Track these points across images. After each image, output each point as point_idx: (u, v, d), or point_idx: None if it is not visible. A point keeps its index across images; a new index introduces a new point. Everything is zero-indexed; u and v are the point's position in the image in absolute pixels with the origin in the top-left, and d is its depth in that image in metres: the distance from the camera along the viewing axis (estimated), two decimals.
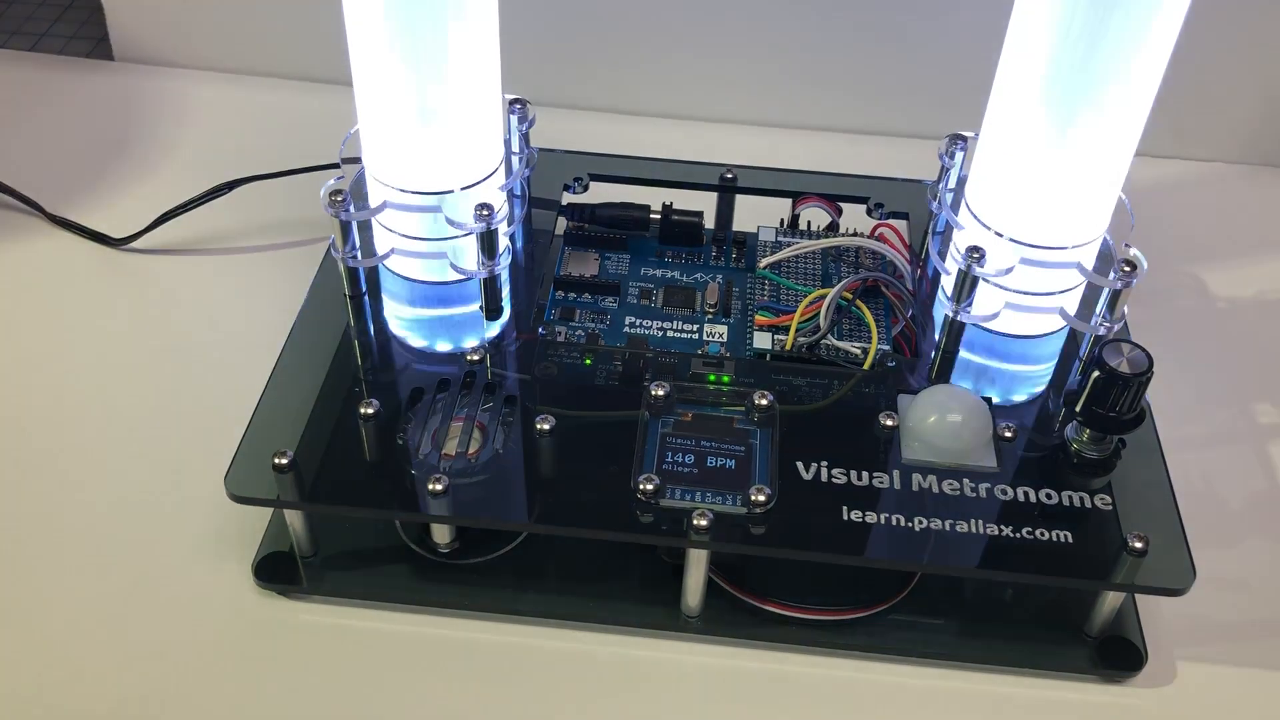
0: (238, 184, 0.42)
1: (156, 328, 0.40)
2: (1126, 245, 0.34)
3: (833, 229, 0.40)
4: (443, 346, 0.35)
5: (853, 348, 0.36)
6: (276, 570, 0.33)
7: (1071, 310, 0.35)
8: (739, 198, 0.40)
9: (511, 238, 0.37)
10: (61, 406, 0.37)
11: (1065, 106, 0.31)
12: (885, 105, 0.50)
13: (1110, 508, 0.31)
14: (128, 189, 0.46)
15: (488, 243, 0.34)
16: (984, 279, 0.33)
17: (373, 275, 0.36)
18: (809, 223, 0.41)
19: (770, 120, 0.51)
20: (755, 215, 0.41)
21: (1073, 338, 0.36)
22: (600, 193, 0.41)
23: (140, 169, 0.47)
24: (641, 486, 0.30)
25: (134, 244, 0.43)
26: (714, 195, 0.40)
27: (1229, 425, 0.39)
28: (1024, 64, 0.31)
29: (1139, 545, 0.30)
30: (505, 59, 0.34)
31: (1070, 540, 0.30)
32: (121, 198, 0.45)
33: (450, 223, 0.34)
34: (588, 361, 0.35)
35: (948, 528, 0.30)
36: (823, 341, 0.36)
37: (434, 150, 0.33)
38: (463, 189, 0.34)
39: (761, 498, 0.30)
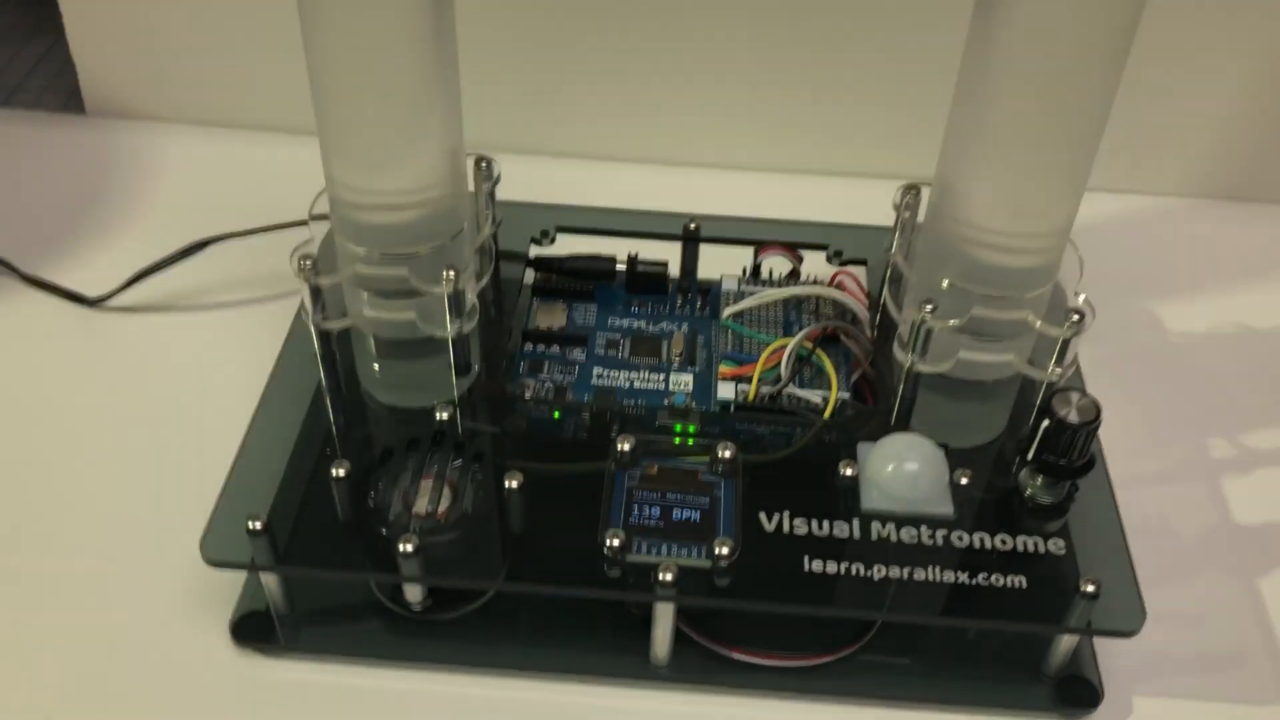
0: (209, 242, 0.43)
1: (132, 386, 0.41)
2: (1076, 294, 0.35)
3: (794, 276, 0.41)
4: (413, 403, 0.36)
5: (814, 396, 0.37)
6: (254, 629, 0.33)
7: (1026, 355, 0.36)
8: (703, 246, 0.41)
9: (480, 294, 0.37)
10: (35, 466, 0.38)
11: (1012, 156, 0.32)
12: (846, 146, 0.51)
13: (1064, 552, 0.32)
14: (101, 246, 0.46)
15: (455, 303, 0.35)
16: (937, 329, 0.34)
17: (344, 333, 0.37)
18: (771, 270, 0.42)
19: (733, 163, 0.52)
20: (719, 263, 0.41)
21: (1029, 380, 0.37)
22: (567, 244, 0.42)
23: (113, 225, 0.47)
24: (608, 542, 0.31)
25: (109, 303, 0.43)
26: (679, 244, 0.41)
27: (1183, 460, 0.40)
28: (969, 113, 0.33)
29: (1090, 589, 0.31)
30: (467, 105, 0.35)
31: (1025, 585, 0.31)
32: (95, 255, 0.45)
33: (418, 284, 0.35)
34: (556, 415, 0.36)
35: (907, 575, 0.31)
36: (784, 391, 0.37)
37: (400, 213, 0.34)
38: (430, 249, 0.35)
39: (725, 550, 0.31)
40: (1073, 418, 0.32)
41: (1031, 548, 0.32)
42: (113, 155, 0.51)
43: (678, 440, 0.35)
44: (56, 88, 0.57)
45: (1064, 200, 0.33)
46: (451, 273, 0.34)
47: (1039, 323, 0.34)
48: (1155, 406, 0.42)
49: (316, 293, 0.35)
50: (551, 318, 0.40)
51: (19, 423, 0.39)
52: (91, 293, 0.43)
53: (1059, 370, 0.35)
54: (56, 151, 0.51)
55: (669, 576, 0.30)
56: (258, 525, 0.31)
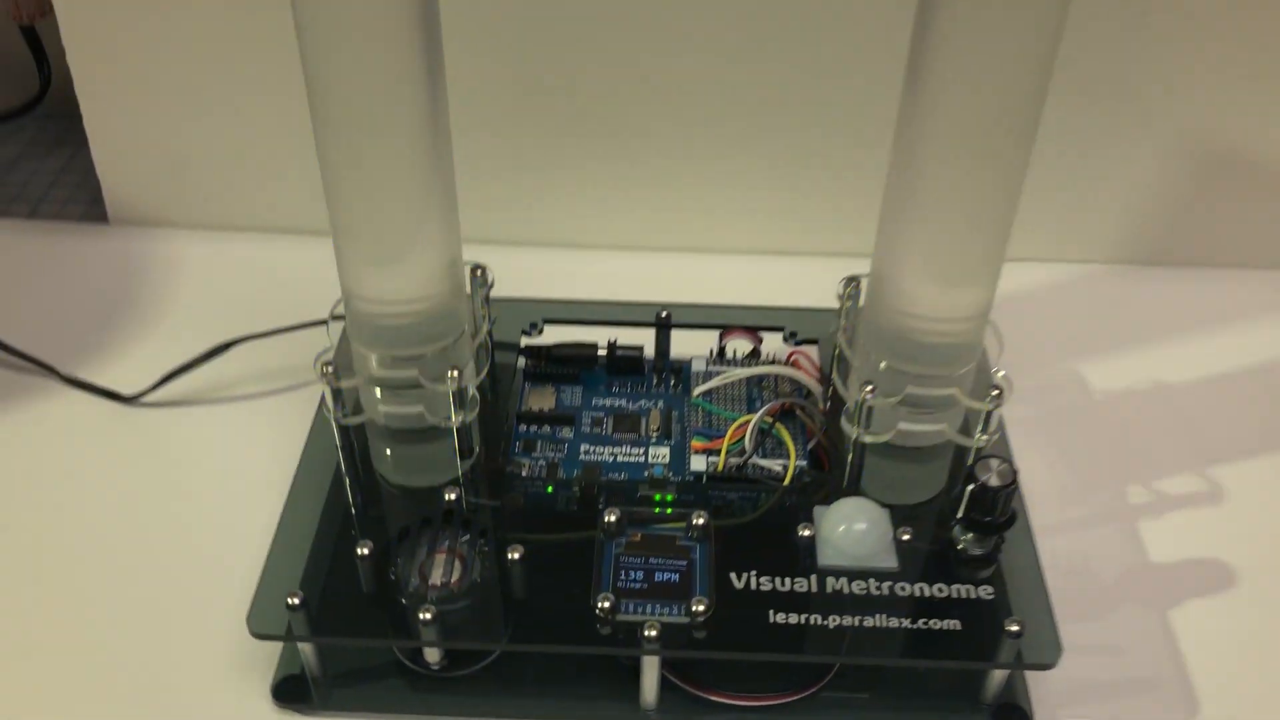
0: (235, 343, 0.48)
1: (168, 476, 0.45)
2: (996, 370, 0.40)
3: (755, 355, 0.47)
4: (421, 484, 0.41)
5: (775, 465, 0.42)
6: (292, 691, 0.38)
7: (957, 425, 0.41)
8: (674, 332, 0.47)
9: (479, 386, 0.42)
10: (83, 552, 0.42)
11: (934, 248, 0.37)
12: (800, 228, 0.57)
13: (992, 596, 0.37)
14: (133, 347, 0.51)
15: (459, 397, 0.40)
16: (877, 405, 0.39)
17: (360, 429, 0.42)
18: (734, 351, 0.47)
19: (700, 247, 0.57)
20: (689, 345, 0.47)
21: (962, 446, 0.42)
22: (554, 334, 0.47)
23: (143, 327, 0.52)
24: (599, 605, 0.36)
25: (143, 400, 0.48)
26: (652, 331, 0.47)
27: (1104, 506, 0.45)
28: (895, 212, 0.38)
29: (1015, 628, 0.36)
30: (459, 201, 0.39)
31: (959, 628, 0.36)
32: (127, 356, 0.50)
33: (426, 383, 0.40)
34: (549, 490, 0.41)
35: (859, 623, 0.36)
36: (749, 462, 0.42)
37: (408, 318, 0.39)
38: (435, 351, 0.40)
39: (701, 608, 0.36)
40: (993, 482, 0.37)
41: (965, 594, 0.37)
42: (137, 261, 0.56)
43: (657, 509, 0.40)
44: (77, 199, 0.61)
45: (981, 288, 0.38)
46: (455, 371, 0.39)
47: (965, 398, 0.39)
48: (1079, 458, 0.47)
49: (337, 393, 0.40)
50: (542, 400, 0.45)
51: (66, 512, 0.44)
52: (126, 391, 0.48)
53: (985, 437, 0.40)
54: (83, 259, 0.56)
55: (653, 633, 0.35)
56: (295, 601, 0.36)
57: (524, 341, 0.47)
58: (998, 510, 0.37)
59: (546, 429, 0.44)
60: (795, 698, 0.38)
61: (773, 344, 0.47)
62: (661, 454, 0.43)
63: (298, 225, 0.56)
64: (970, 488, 0.37)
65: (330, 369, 0.39)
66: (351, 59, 0.34)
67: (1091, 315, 0.55)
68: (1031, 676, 0.39)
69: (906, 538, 0.38)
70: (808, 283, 0.47)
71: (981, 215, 0.36)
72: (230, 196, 0.57)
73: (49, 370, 0.49)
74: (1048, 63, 0.33)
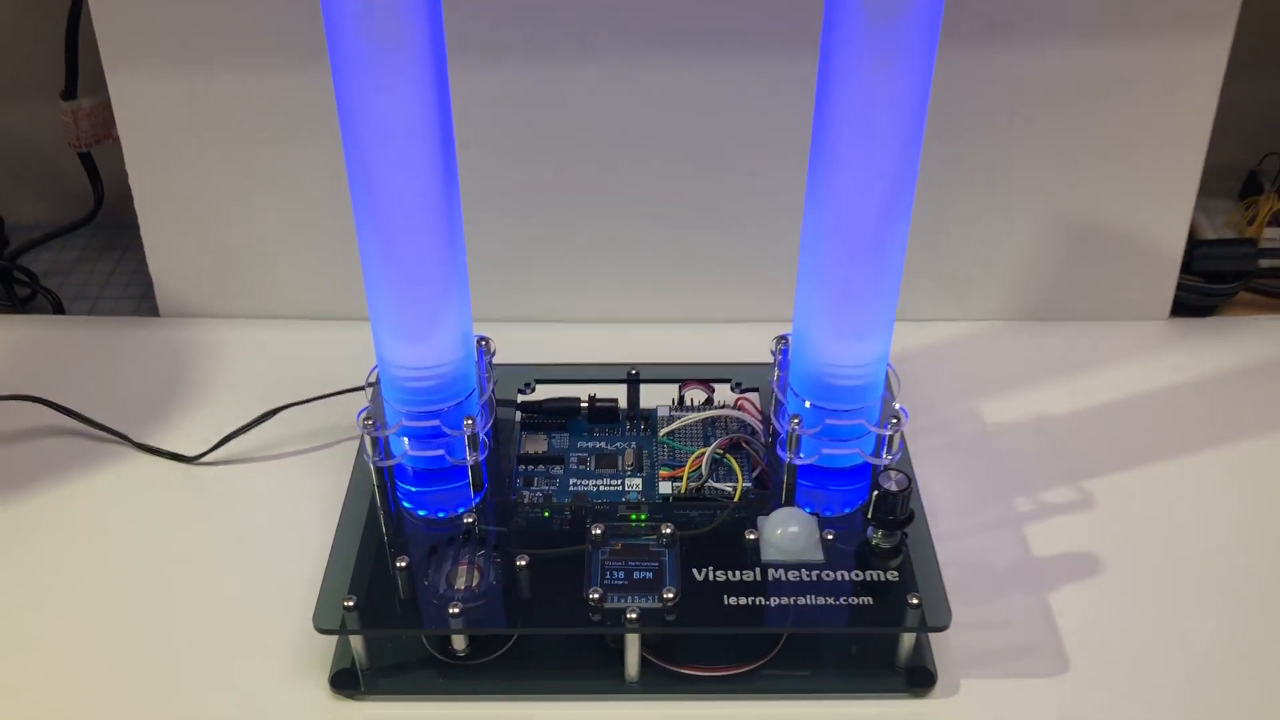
0: (280, 410, 0.58)
1: (230, 522, 0.54)
2: (893, 402, 0.50)
3: (709, 403, 0.57)
4: (443, 511, 0.51)
5: (726, 487, 0.52)
6: (345, 681, 0.47)
7: (868, 448, 0.51)
8: (642, 386, 0.57)
9: (486, 434, 0.52)
10: (162, 589, 0.51)
11: (836, 310, 0.48)
12: (743, 300, 0.66)
13: (898, 579, 0.47)
14: (191, 417, 0.59)
15: (473, 442, 0.50)
16: (804, 435, 0.50)
17: (392, 467, 0.52)
18: (691, 399, 0.57)
19: (663, 318, 0.67)
20: (654, 396, 0.56)
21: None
22: (544, 391, 0.56)
23: (199, 401, 0.60)
24: (591, 596, 0.46)
25: (204, 459, 0.56)
26: (624, 386, 0.57)
27: (996, 515, 0.54)
28: (805, 283, 0.48)
29: (915, 601, 0.45)
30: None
31: (872, 603, 0.46)
32: (187, 425, 0.58)
33: (446, 430, 0.50)
34: (545, 515, 0.51)
35: (794, 602, 0.46)
36: (706, 485, 0.52)
37: (432, 384, 0.49)
38: (451, 407, 0.50)
39: (670, 595, 0.46)
40: (892, 487, 0.47)
41: (877, 578, 0.47)
42: (190, 347, 0.64)
43: (633, 524, 0.50)
44: (128, 295, 0.71)
45: (879, 340, 0.49)
46: (470, 420, 0.49)
47: (871, 427, 0.50)
48: (975, 478, 0.57)
49: (376, 441, 0.50)
50: (536, 445, 0.54)
51: (146, 555, 0.52)
52: (189, 453, 0.56)
53: (889, 456, 0.50)
54: (142, 347, 0.64)
55: (634, 616, 0.45)
56: (351, 603, 0.45)
57: (520, 398, 0.57)
58: (898, 510, 0.47)
59: (541, 468, 0.53)
60: (750, 667, 0.47)
61: (722, 393, 0.57)
62: (635, 483, 0.53)
63: (326, 312, 0.65)
64: (875, 493, 0.47)
65: (370, 421, 0.49)
66: (396, 181, 0.43)
67: (983, 363, 0.64)
68: (936, 644, 0.48)
69: (830, 537, 0.48)
70: (749, 343, 0.55)
71: (872, 285, 0.47)
72: (268, 289, 0.65)
73: (123, 438, 0.58)
74: (911, 173, 0.44)
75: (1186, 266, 0.66)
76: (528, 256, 0.65)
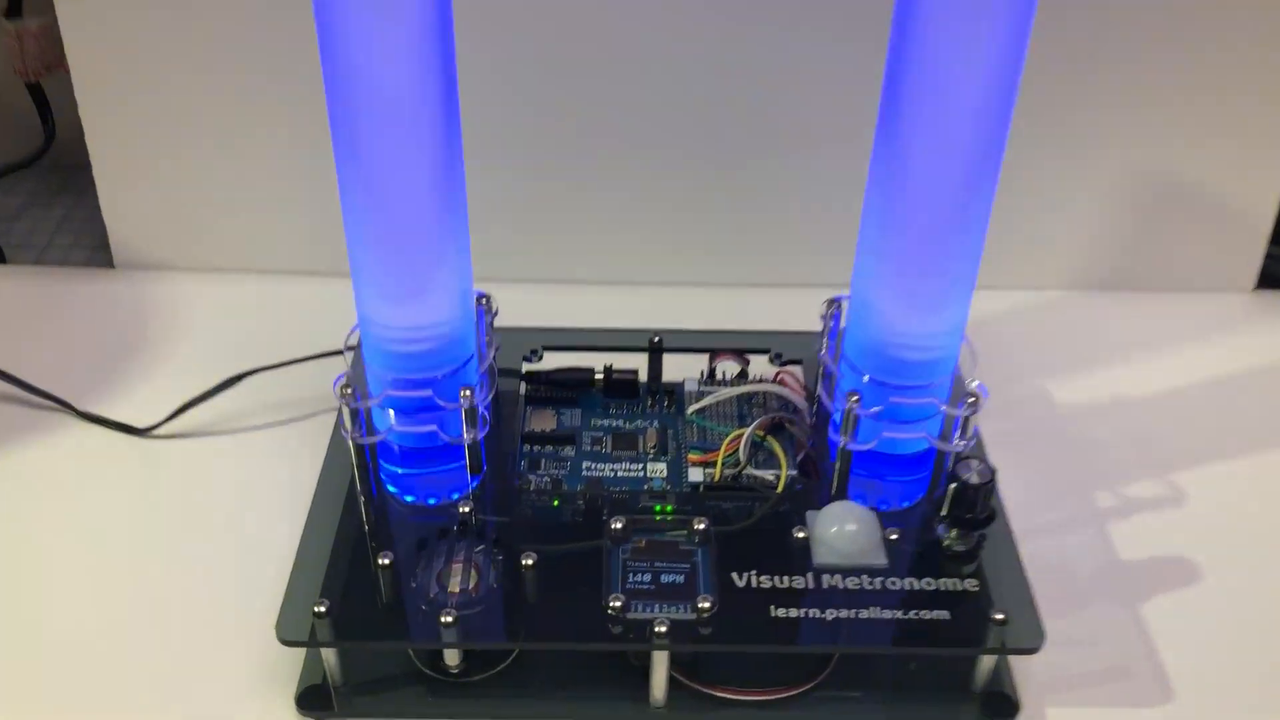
0: (246, 375, 0.50)
1: (186, 504, 0.47)
2: (971, 380, 0.43)
3: (743, 376, 0.49)
4: (435, 498, 0.43)
5: (768, 475, 0.44)
6: (315, 700, 0.40)
7: (935, 432, 0.44)
8: (665, 356, 0.49)
9: (486, 407, 0.45)
10: (106, 580, 0.44)
11: (910, 272, 0.40)
12: (781, 261, 0.60)
13: (978, 589, 0.40)
14: (145, 383, 0.52)
15: (470, 417, 0.42)
16: (863, 415, 0.42)
17: (375, 444, 0.44)
18: (724, 372, 0.50)
19: (688, 281, 0.60)
20: (680, 368, 0.49)
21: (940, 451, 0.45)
22: (553, 360, 0.49)
23: (155, 364, 0.54)
24: (610, 604, 0.38)
25: (157, 431, 0.50)
26: (645, 355, 0.49)
27: (1074, 511, 0.48)
28: (872, 240, 0.41)
29: (1000, 617, 0.38)
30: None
31: (949, 618, 0.39)
32: (141, 392, 0.52)
33: (440, 402, 0.42)
34: (555, 504, 0.43)
35: (854, 615, 0.39)
36: (744, 472, 0.44)
37: (424, 348, 0.41)
38: (445, 376, 0.42)
39: (706, 605, 0.38)
40: (973, 480, 0.40)
41: (951, 587, 0.40)
42: (146, 303, 0.57)
43: (658, 517, 0.42)
44: (80, 244, 0.64)
45: (955, 310, 0.42)
46: (468, 391, 0.42)
47: (944, 406, 0.42)
48: (1049, 468, 0.50)
49: (355, 414, 0.42)
50: (543, 422, 0.47)
51: (88, 542, 0.45)
52: (141, 424, 0.49)
53: (962, 441, 0.43)
54: (93, 302, 0.58)
55: (662, 629, 0.37)
56: (322, 609, 0.38)
57: (525, 367, 0.49)
58: (978, 507, 0.40)
59: (549, 448, 0.46)
60: (798, 691, 0.40)
61: (759, 365, 0.50)
62: (659, 469, 0.45)
63: (298, 266, 0.59)
64: (953, 486, 0.40)
65: (350, 391, 0.41)
66: (384, 114, 0.36)
67: (1052, 337, 0.58)
68: (1016, 667, 0.41)
69: (894, 537, 0.41)
70: (786, 312, 0.49)
71: (955, 252, 0.40)
72: (236, 239, 0.59)
73: (65, 406, 0.51)
74: (1006, 113, 0.37)
75: (1277, 235, 0.61)
76: (538, 207, 0.59)
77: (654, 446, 0.46)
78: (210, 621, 0.42)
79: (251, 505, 0.47)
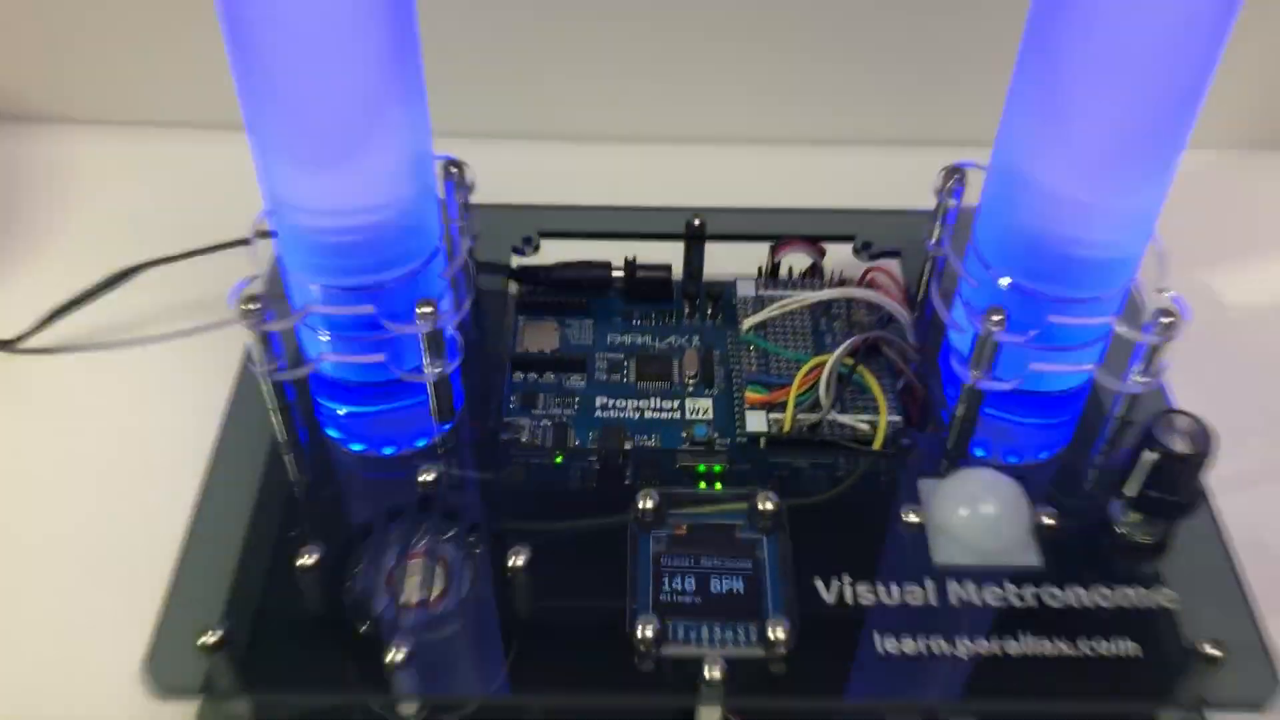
0: (138, 269, 0.38)
1: (56, 440, 0.37)
2: (1161, 291, 0.30)
3: (815, 272, 0.37)
4: (395, 446, 0.32)
5: (859, 423, 0.32)
6: None
7: (1098, 362, 0.31)
8: (710, 244, 0.37)
9: (459, 325, 0.32)
10: None
11: (1093, 132, 0.27)
12: (871, 110, 0.48)
13: (1178, 605, 0.27)
14: (12, 277, 0.42)
15: (434, 342, 0.29)
16: (1008, 341, 0.29)
17: (302, 379, 0.32)
18: (791, 268, 0.37)
19: (740, 136, 0.48)
20: (729, 260, 0.37)
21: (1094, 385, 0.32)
22: (554, 251, 0.38)
23: (24, 250, 0.43)
24: (640, 632, 0.26)
25: (25, 343, 0.39)
26: (681, 244, 0.37)
27: (1266, 456, 0.36)
28: (1038, 86, 0.28)
29: (1213, 651, 0.26)
30: (430, 85, 0.30)
31: (1140, 654, 0.26)
32: (6, 288, 0.41)
33: (388, 324, 0.29)
34: (558, 460, 0.32)
35: (999, 650, 0.27)
36: (827, 420, 0.31)
37: (361, 238, 0.29)
38: (398, 277, 0.29)
39: (781, 634, 0.26)
40: (1179, 447, 0.27)
41: (1137, 602, 0.27)
42: (17, 165, 0.47)
43: (702, 484, 0.31)
44: None
45: (1155, 181, 0.28)
46: (429, 307, 0.29)
47: (1124, 328, 0.29)
48: (1221, 394, 0.37)
49: (267, 339, 0.29)
50: (542, 339, 0.36)
51: None
52: (5, 333, 0.39)
53: (1147, 379, 0.30)
54: None
55: (716, 674, 0.25)
56: (213, 639, 0.26)
57: (516, 262, 0.37)
58: (1184, 486, 0.27)
59: (550, 377, 0.35)
60: None
61: (841, 257, 0.37)
62: (703, 408, 0.33)
63: (213, 118, 0.46)
64: (1153, 456, 0.27)
65: (255, 306, 0.28)
66: None
67: (1212, 212, 0.45)
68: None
69: (1051, 523, 0.28)
70: (882, 179, 0.39)
71: (1163, 122, 0.27)
72: (128, 83, 0.49)
73: None
74: None
75: None
76: (530, 31, 0.47)
77: (694, 376, 0.34)
78: (78, 613, 0.32)
79: (143, 448, 0.37)
